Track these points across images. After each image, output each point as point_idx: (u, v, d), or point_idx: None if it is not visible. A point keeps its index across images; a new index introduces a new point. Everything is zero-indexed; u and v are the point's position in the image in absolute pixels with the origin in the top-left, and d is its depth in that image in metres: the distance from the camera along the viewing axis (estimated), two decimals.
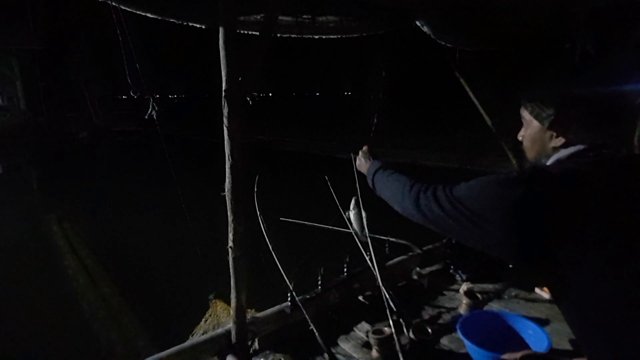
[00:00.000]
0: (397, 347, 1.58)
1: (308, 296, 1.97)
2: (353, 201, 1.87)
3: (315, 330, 1.64)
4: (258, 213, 1.95)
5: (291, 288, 1.84)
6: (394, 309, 1.79)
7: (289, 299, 1.87)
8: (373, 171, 1.26)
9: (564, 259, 0.77)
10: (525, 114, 0.98)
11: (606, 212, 0.76)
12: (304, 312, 1.71)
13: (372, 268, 1.88)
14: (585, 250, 0.75)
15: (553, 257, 0.78)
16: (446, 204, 0.89)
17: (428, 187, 0.97)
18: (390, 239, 2.36)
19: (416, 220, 0.99)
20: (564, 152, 0.90)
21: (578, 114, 0.87)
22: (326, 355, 1.61)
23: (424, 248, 2.63)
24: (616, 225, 0.75)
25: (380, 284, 1.82)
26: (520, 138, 1.02)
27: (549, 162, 0.92)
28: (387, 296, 1.80)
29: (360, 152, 1.42)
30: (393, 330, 1.66)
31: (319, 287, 2.03)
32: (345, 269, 2.15)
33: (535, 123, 0.95)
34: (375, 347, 1.68)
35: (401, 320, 1.81)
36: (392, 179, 1.15)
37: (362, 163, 1.39)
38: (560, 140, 0.90)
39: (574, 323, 0.86)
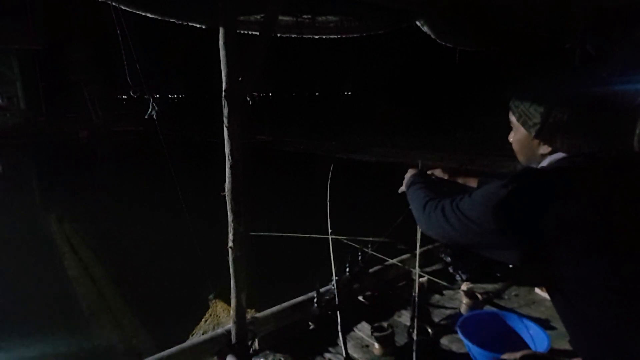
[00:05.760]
0: (414, 340, 1.61)
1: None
2: None
3: (339, 322, 1.69)
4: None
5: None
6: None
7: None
8: (407, 186, 1.24)
9: (562, 260, 0.77)
10: (513, 119, 0.98)
11: (601, 213, 0.76)
12: (337, 310, 1.74)
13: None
14: (582, 252, 0.75)
15: (552, 259, 0.78)
16: (452, 218, 0.89)
17: (438, 204, 0.96)
18: (376, 239, 2.33)
19: (431, 236, 1.00)
20: (554, 157, 0.90)
21: (564, 124, 0.86)
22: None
23: (424, 248, 2.63)
24: (612, 226, 0.75)
25: (417, 272, 1.84)
26: (510, 140, 1.02)
27: (540, 166, 0.92)
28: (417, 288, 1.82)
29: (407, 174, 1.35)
30: (415, 322, 1.68)
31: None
32: (347, 269, 2.15)
33: (522, 129, 0.95)
34: (377, 343, 1.69)
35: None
36: (415, 195, 1.13)
37: (405, 181, 1.32)
38: (547, 149, 0.90)
39: (569, 323, 0.86)
